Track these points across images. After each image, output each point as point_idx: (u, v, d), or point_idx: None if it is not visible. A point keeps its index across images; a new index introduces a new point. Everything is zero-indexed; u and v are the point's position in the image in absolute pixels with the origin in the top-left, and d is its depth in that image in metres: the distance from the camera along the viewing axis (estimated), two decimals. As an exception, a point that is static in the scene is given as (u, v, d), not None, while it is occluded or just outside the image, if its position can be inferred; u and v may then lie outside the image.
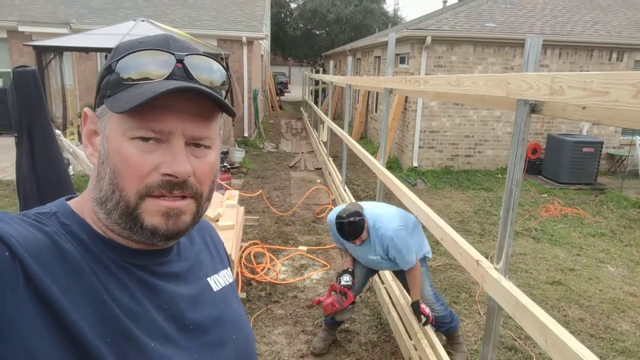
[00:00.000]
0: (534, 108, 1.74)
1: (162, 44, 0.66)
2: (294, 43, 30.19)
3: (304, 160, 9.76)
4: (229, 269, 0.88)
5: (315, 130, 12.41)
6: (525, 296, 1.65)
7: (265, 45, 17.86)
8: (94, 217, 0.67)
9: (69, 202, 0.69)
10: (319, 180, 7.99)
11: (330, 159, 8.25)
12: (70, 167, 6.77)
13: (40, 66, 6.81)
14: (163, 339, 0.65)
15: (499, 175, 8.82)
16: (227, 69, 0.72)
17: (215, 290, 0.79)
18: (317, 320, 3.44)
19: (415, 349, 2.87)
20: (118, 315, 0.60)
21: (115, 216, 0.64)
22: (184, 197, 0.65)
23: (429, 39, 8.35)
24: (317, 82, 14.67)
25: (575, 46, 8.88)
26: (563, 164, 8.13)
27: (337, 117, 16.14)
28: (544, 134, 9.07)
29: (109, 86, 0.65)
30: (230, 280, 0.85)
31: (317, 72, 18.63)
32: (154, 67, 0.64)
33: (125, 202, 0.63)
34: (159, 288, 0.68)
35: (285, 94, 28.17)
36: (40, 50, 6.86)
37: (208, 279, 0.79)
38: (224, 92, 0.72)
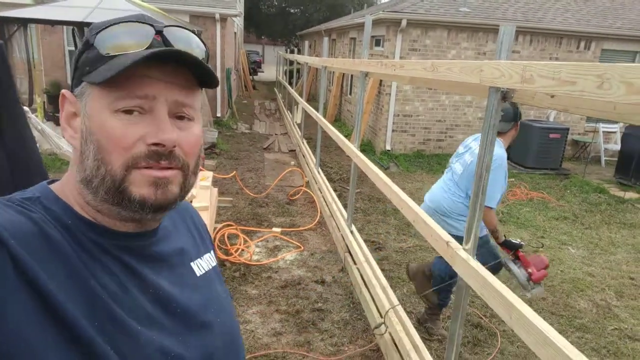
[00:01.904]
0: (505, 95, 1.79)
1: (139, 18, 0.66)
2: (268, 21, 29.68)
3: (277, 142, 9.72)
4: (212, 252, 0.88)
5: (289, 111, 12.34)
6: (492, 275, 1.73)
7: (239, 22, 17.51)
8: (79, 201, 0.66)
9: (51, 187, 0.68)
10: (292, 162, 7.99)
11: (304, 141, 8.25)
12: (39, 144, 6.55)
13: (2, 39, 6.51)
14: (150, 323, 0.65)
15: (469, 159, 9.01)
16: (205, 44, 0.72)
17: (198, 274, 0.79)
18: (290, 300, 3.50)
19: (386, 326, 2.96)
20: (105, 299, 0.60)
21: (102, 193, 0.63)
22: (171, 168, 0.65)
23: (404, 22, 8.37)
24: (291, 62, 14.51)
25: (546, 33, 9.07)
26: (530, 149, 8.38)
27: (312, 99, 16.07)
28: (513, 120, 9.28)
29: (88, 63, 0.64)
30: (214, 264, 0.85)
31: (292, 51, 18.41)
32: (133, 38, 0.63)
33: (112, 175, 0.62)
34: (144, 272, 0.68)
35: (259, 73, 27.73)
36: (2, 22, 6.54)
37: (192, 263, 0.79)
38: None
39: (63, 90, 0.68)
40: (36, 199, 0.64)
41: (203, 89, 0.71)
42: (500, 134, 2.87)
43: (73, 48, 9.02)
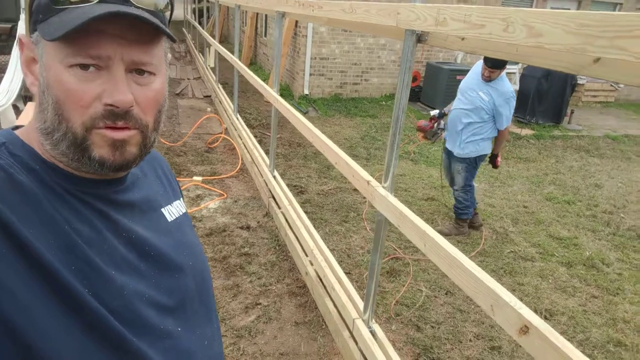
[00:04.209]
0: (420, 38, 1.86)
1: None
2: (172, -45, 27.23)
3: (191, 87, 9.28)
4: (181, 199, 0.89)
5: (201, 54, 11.72)
6: (408, 209, 1.88)
7: (138, -45, 15.88)
8: (42, 147, 0.64)
9: (16, 132, 0.65)
10: (209, 109, 7.72)
11: (220, 86, 7.97)
12: None
13: None
14: (124, 266, 0.66)
15: (383, 103, 9.31)
16: None
17: (169, 220, 0.80)
18: (217, 247, 3.52)
19: (311, 264, 3.12)
20: (79, 244, 0.60)
21: (63, 147, 0.61)
22: (128, 129, 0.63)
23: (318, -39, 8.13)
24: (200, 0, 13.58)
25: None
26: (439, 90, 8.81)
27: (224, 40, 15.33)
28: (423, 62, 9.64)
29: (41, 10, 0.60)
30: (184, 211, 0.87)
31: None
32: None
33: (73, 133, 0.61)
34: (116, 217, 0.68)
35: (165, 13, 25.74)
36: None
37: (162, 209, 0.80)
38: (167, 15, 0.69)
39: (19, 35, 0.65)
40: (1, 144, 0.62)
41: None
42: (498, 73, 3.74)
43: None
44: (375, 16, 2.05)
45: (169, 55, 0.73)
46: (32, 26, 0.62)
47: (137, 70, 0.63)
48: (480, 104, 3.79)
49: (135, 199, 0.75)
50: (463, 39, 1.68)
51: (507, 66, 3.95)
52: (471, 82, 3.92)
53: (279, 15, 3.83)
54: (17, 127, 0.69)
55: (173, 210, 0.83)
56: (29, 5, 0.63)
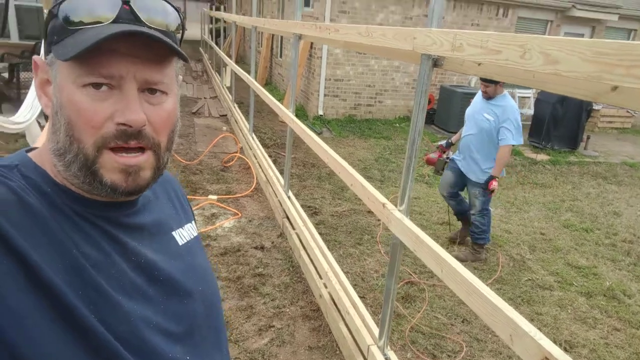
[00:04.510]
0: (436, 62, 1.87)
1: None
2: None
3: (207, 106, 9.42)
4: (193, 222, 0.88)
5: (217, 73, 11.91)
6: (424, 233, 1.86)
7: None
8: (55, 169, 0.64)
9: (29, 154, 0.66)
10: (225, 128, 7.81)
11: (236, 106, 8.07)
12: None
13: None
14: (132, 290, 0.65)
15: (397, 125, 9.32)
16: (179, 10, 0.70)
17: (180, 244, 0.79)
18: (231, 267, 3.51)
19: (325, 287, 3.09)
20: (87, 268, 0.60)
21: (74, 168, 0.62)
22: (141, 150, 0.64)
23: (334, -16, 8.30)
24: (217, 20, 13.85)
25: (468, 0, 9.40)
26: (453, 113, 8.80)
27: (240, 61, 15.59)
28: (437, 85, 9.67)
29: (55, 32, 0.61)
30: (195, 234, 0.86)
31: (218, 9, 17.62)
32: (98, 9, 0.61)
33: (84, 154, 0.61)
34: (125, 240, 0.68)
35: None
36: None
37: (173, 232, 0.79)
38: (178, 36, 0.70)
39: (34, 57, 0.66)
40: (14, 167, 0.62)
41: None
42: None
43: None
44: (391, 40, 2.07)
45: (180, 77, 0.73)
46: (47, 48, 0.63)
47: (149, 89, 0.63)
48: (486, 125, 3.79)
49: (146, 222, 0.74)
50: (479, 64, 1.68)
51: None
52: (476, 106, 3.96)
53: (296, 38, 3.89)
54: (30, 149, 0.69)
55: (184, 234, 0.82)
56: (44, 28, 0.64)
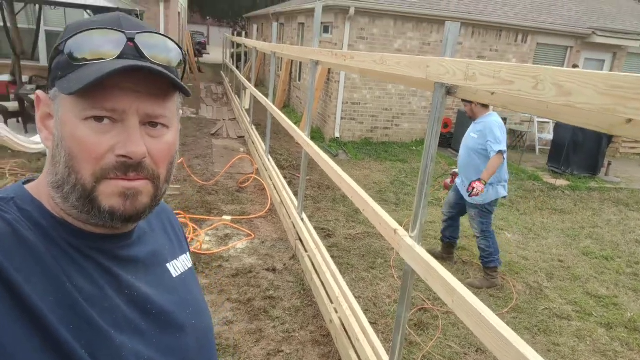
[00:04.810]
0: (450, 90, 1.88)
1: (113, 23, 0.65)
2: (214, 1, 28.73)
3: (226, 128, 9.56)
4: (187, 253, 0.89)
5: (237, 96, 12.12)
6: (435, 261, 1.84)
7: (182, 2, 16.89)
8: (52, 202, 0.65)
9: (26, 187, 0.67)
10: (242, 149, 7.91)
11: (254, 127, 8.18)
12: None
13: None
14: (125, 324, 0.65)
15: (414, 148, 9.31)
16: (180, 47, 0.72)
17: (174, 276, 0.80)
18: (242, 289, 3.51)
19: (336, 312, 3.05)
20: (80, 301, 0.60)
21: (72, 199, 0.63)
22: (139, 179, 0.64)
23: (352, 10, 8.43)
24: (238, 45, 14.20)
25: (486, 26, 9.45)
26: (471, 137, 8.75)
27: (260, 84, 15.85)
28: (454, 109, 9.66)
29: (60, 68, 0.63)
30: (190, 266, 0.86)
31: (239, 34, 18.04)
32: (104, 46, 0.62)
33: (82, 185, 0.62)
34: (119, 273, 0.68)
35: (204, 55, 26.99)
36: None
37: (167, 264, 0.80)
38: (180, 72, 0.71)
39: (37, 92, 0.67)
40: (10, 199, 0.63)
41: None
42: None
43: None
44: (405, 68, 2.09)
45: (181, 111, 0.75)
46: (51, 83, 0.65)
47: (151, 122, 0.65)
48: (472, 143, 3.98)
49: (141, 255, 0.74)
50: (493, 93, 1.69)
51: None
52: (468, 128, 4.19)
53: (313, 64, 3.96)
54: (27, 181, 0.70)
55: (179, 265, 0.82)
56: (49, 63, 0.66)
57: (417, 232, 2.02)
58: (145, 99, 0.63)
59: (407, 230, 2.09)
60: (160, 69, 0.63)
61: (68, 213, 0.65)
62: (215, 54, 26.69)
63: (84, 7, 6.17)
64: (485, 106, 3.90)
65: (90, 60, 0.62)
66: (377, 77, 3.10)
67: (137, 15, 7.87)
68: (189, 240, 4.16)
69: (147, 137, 0.64)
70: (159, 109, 0.65)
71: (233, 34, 17.67)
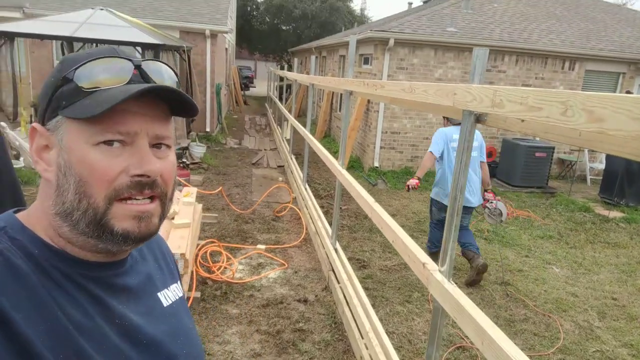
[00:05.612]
0: (479, 118, 1.81)
1: (114, 52, 0.68)
2: (260, 37, 29.84)
3: (266, 158, 9.72)
4: (179, 282, 0.89)
5: (279, 127, 12.36)
6: (467, 298, 1.72)
7: (230, 38, 17.63)
8: (47, 231, 0.66)
9: (17, 215, 0.68)
10: (280, 178, 7.98)
11: (293, 157, 8.26)
12: (21, 159, 6.49)
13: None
14: (115, 354, 0.65)
15: (457, 177, 9.06)
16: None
17: (165, 305, 0.79)
18: (272, 320, 3.45)
19: (367, 348, 2.93)
20: (70, 330, 0.60)
21: (82, 226, 0.63)
22: (152, 199, 0.66)
23: (391, 41, 8.48)
24: (282, 78, 14.63)
25: (531, 53, 9.23)
26: (516, 167, 8.45)
27: (302, 115, 16.12)
28: (499, 138, 9.39)
29: (64, 97, 0.64)
30: (180, 295, 0.86)
31: (283, 68, 18.56)
32: (114, 74, 0.65)
33: (94, 208, 0.63)
34: (110, 303, 0.68)
35: (251, 88, 27.90)
36: (-11, 35, 6.52)
37: (158, 294, 0.80)
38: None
39: (34, 124, 0.68)
40: (1, 228, 0.64)
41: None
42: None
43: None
44: (432, 96, 2.04)
45: (175, 133, 0.79)
46: (50, 114, 0.65)
47: (155, 144, 0.67)
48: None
49: (132, 284, 0.74)
50: (522, 120, 1.60)
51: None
52: None
53: (347, 94, 3.97)
54: (18, 210, 0.71)
55: (169, 294, 0.82)
56: (49, 94, 0.66)
57: (446, 267, 1.92)
58: (152, 121, 0.66)
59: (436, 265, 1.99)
60: (174, 88, 0.67)
61: (70, 241, 0.66)
62: (261, 87, 27.55)
63: (134, 44, 6.52)
64: (448, 120, 4.64)
65: (101, 87, 0.64)
66: (407, 105, 3.06)
67: (184, 51, 8.25)
68: (221, 269, 4.19)
69: (154, 158, 0.67)
70: (165, 130, 0.68)
71: (278, 68, 18.20)
